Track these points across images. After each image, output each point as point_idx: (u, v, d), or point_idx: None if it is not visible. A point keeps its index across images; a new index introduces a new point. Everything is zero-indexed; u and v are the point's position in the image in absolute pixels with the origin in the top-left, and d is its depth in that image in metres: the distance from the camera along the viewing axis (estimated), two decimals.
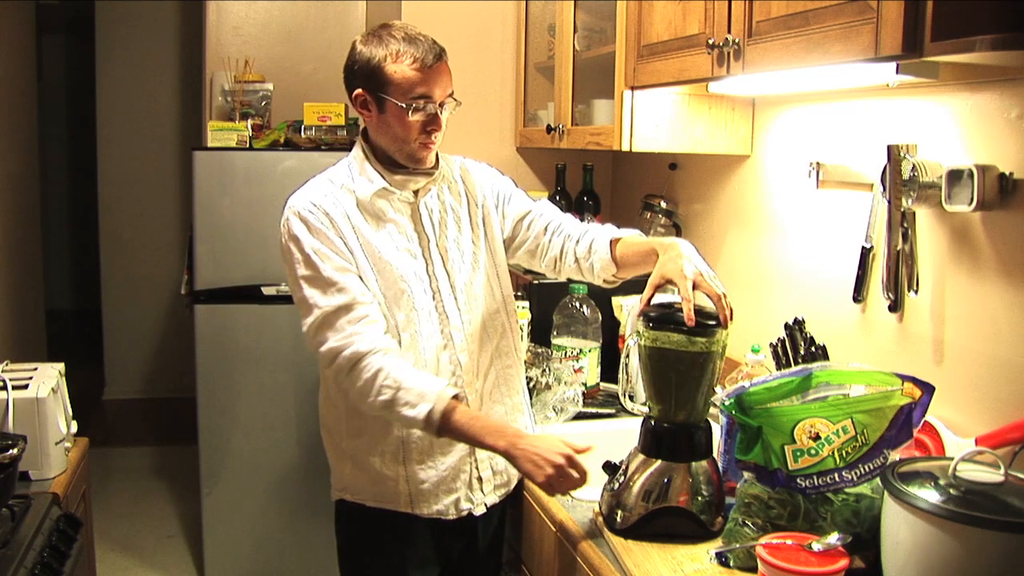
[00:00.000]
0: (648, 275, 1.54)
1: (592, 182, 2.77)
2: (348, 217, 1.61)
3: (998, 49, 1.10)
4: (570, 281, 2.11)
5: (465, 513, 1.70)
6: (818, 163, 1.86)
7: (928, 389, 1.35)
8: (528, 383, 2.05)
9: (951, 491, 1.14)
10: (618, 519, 1.48)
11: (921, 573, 1.14)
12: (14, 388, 1.88)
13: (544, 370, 2.18)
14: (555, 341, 2.26)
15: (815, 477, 1.33)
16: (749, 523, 1.37)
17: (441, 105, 1.60)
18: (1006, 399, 1.45)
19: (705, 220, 2.39)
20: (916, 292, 1.61)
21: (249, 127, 2.92)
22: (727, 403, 1.37)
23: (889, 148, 1.55)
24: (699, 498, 1.45)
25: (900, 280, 1.62)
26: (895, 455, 1.33)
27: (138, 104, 4.79)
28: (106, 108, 4.80)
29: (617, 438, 1.93)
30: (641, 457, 1.49)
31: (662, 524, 1.45)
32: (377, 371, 1.52)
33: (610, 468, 1.55)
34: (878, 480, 1.31)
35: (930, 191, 1.50)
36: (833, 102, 1.85)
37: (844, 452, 1.32)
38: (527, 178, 2.94)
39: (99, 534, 2.94)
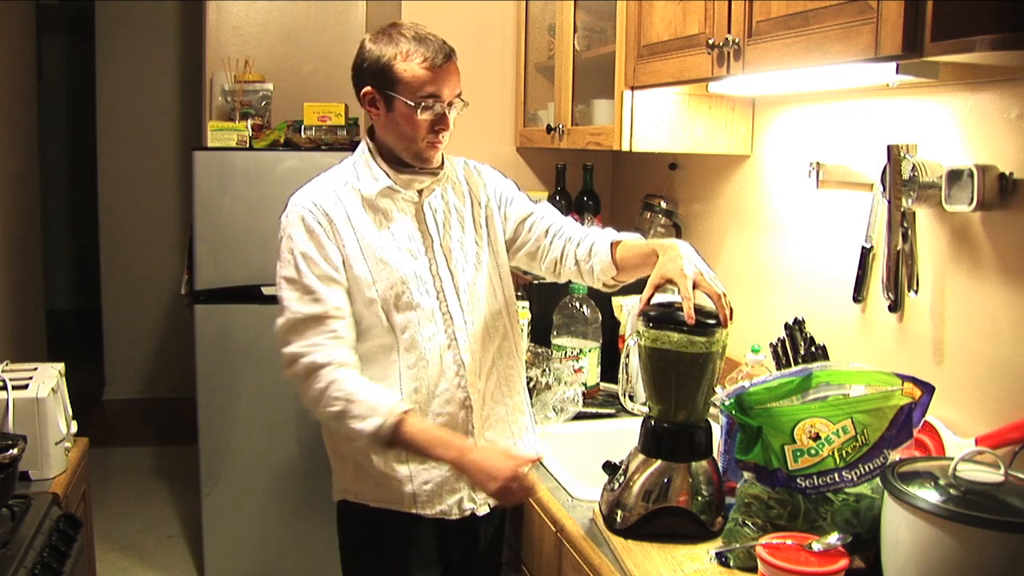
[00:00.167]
0: (647, 277, 1.54)
1: (592, 182, 2.77)
2: (349, 218, 1.62)
3: (998, 49, 1.10)
4: (570, 281, 2.11)
5: (468, 513, 1.70)
6: (818, 163, 1.86)
7: (928, 389, 1.35)
8: (528, 383, 2.05)
9: (951, 491, 1.14)
10: (618, 519, 1.48)
11: (921, 573, 1.14)
12: (14, 388, 1.88)
13: (544, 370, 2.18)
14: (555, 341, 2.26)
15: (815, 477, 1.33)
16: (749, 523, 1.37)
17: (449, 105, 1.61)
18: (1006, 399, 1.45)
19: (705, 220, 2.39)
20: (916, 292, 1.61)
21: (249, 127, 2.92)
22: (727, 403, 1.37)
23: (889, 148, 1.55)
24: (699, 498, 1.45)
25: (900, 280, 1.62)
26: (895, 455, 1.33)
27: (138, 104, 4.80)
28: (106, 108, 4.81)
29: (617, 438, 1.93)
30: (641, 457, 1.49)
31: (662, 524, 1.45)
32: (330, 383, 1.54)
33: (610, 468, 1.55)
34: (878, 480, 1.31)
35: (930, 191, 1.50)
36: (833, 102, 1.85)
37: (844, 452, 1.32)
38: (527, 178, 2.94)
39: (99, 534, 2.94)
